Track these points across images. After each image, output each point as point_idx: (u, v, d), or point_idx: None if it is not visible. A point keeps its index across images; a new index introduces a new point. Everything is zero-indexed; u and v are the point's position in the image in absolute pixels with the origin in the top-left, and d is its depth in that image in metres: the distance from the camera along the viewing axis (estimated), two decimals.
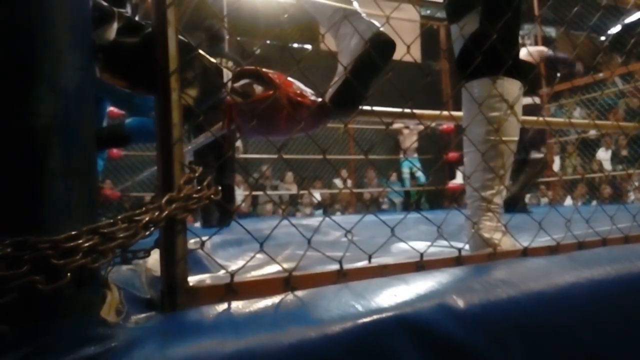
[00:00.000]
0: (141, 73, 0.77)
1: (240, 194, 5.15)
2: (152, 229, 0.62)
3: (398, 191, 6.66)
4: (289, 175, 6.69)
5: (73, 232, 0.56)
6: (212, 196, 0.70)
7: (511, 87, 1.09)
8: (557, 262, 0.86)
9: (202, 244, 0.69)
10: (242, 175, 5.41)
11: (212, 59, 0.91)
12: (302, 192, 5.89)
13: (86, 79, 0.66)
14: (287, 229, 0.97)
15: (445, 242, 0.94)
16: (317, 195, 6.67)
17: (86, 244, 0.56)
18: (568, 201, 6.30)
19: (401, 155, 6.74)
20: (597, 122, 1.72)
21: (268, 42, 6.62)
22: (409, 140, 6.44)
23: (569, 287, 0.79)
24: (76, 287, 0.58)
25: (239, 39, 5.51)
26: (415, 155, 6.71)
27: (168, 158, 0.70)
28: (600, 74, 6.39)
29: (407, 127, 6.47)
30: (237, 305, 0.66)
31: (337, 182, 6.75)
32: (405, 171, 6.83)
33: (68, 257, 0.55)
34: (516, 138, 1.11)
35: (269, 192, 6.29)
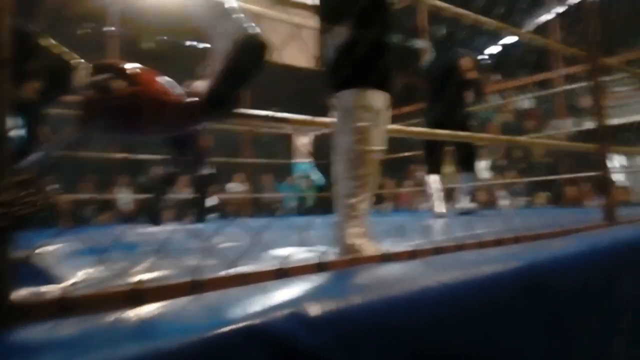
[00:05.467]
0: None
1: (126, 197, 4.87)
2: None
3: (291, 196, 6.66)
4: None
5: None
6: (47, 201, 0.64)
7: (377, 98, 1.12)
8: (413, 267, 0.90)
9: (27, 256, 0.61)
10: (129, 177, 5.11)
11: (65, 49, 0.83)
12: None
13: None
14: (167, 235, 0.90)
15: (322, 248, 0.94)
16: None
17: None
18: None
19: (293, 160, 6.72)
20: (472, 134, 1.84)
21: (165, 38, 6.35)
22: (300, 144, 6.48)
23: (421, 290, 0.83)
24: None
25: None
26: (309, 159, 6.74)
27: None
28: None
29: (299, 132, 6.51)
30: (70, 323, 0.60)
31: (231, 185, 6.62)
32: (299, 175, 6.83)
33: None
34: (381, 147, 1.15)
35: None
